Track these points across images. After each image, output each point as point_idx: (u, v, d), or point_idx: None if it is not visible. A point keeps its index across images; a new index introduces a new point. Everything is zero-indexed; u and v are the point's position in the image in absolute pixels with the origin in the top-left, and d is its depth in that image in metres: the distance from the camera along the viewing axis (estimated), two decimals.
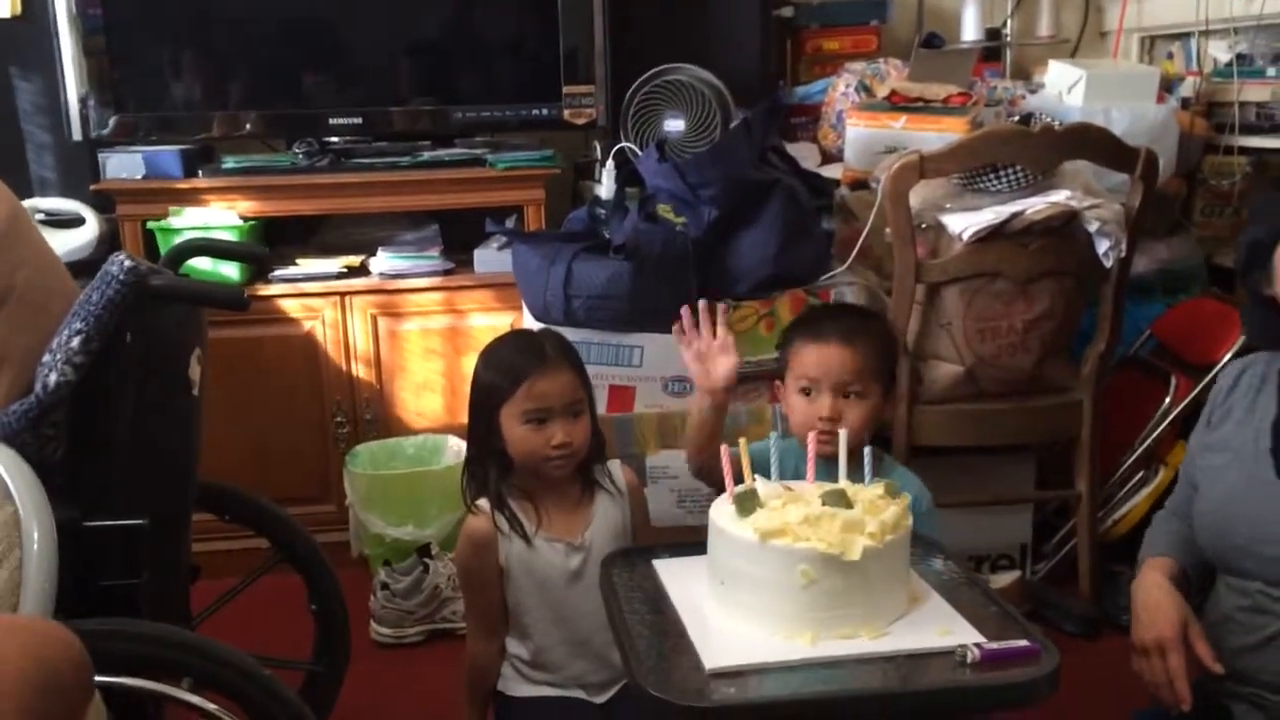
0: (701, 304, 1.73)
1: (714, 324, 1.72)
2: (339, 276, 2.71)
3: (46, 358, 1.26)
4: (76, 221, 2.66)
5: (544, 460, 1.64)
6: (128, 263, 1.26)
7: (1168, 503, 1.67)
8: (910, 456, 2.31)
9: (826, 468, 1.43)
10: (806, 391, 1.65)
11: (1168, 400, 2.50)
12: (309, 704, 1.53)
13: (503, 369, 1.69)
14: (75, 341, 1.24)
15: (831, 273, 2.41)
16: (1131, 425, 2.59)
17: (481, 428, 1.72)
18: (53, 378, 1.24)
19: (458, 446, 2.69)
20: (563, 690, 1.72)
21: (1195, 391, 2.47)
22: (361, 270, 2.75)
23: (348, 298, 2.69)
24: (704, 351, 1.70)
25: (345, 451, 2.68)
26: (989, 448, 2.40)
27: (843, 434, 1.42)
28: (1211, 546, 1.48)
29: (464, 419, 2.77)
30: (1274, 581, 1.37)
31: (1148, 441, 2.51)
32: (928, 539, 1.49)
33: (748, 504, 1.32)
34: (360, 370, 2.73)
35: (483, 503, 1.68)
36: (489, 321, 2.70)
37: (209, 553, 2.05)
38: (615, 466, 1.79)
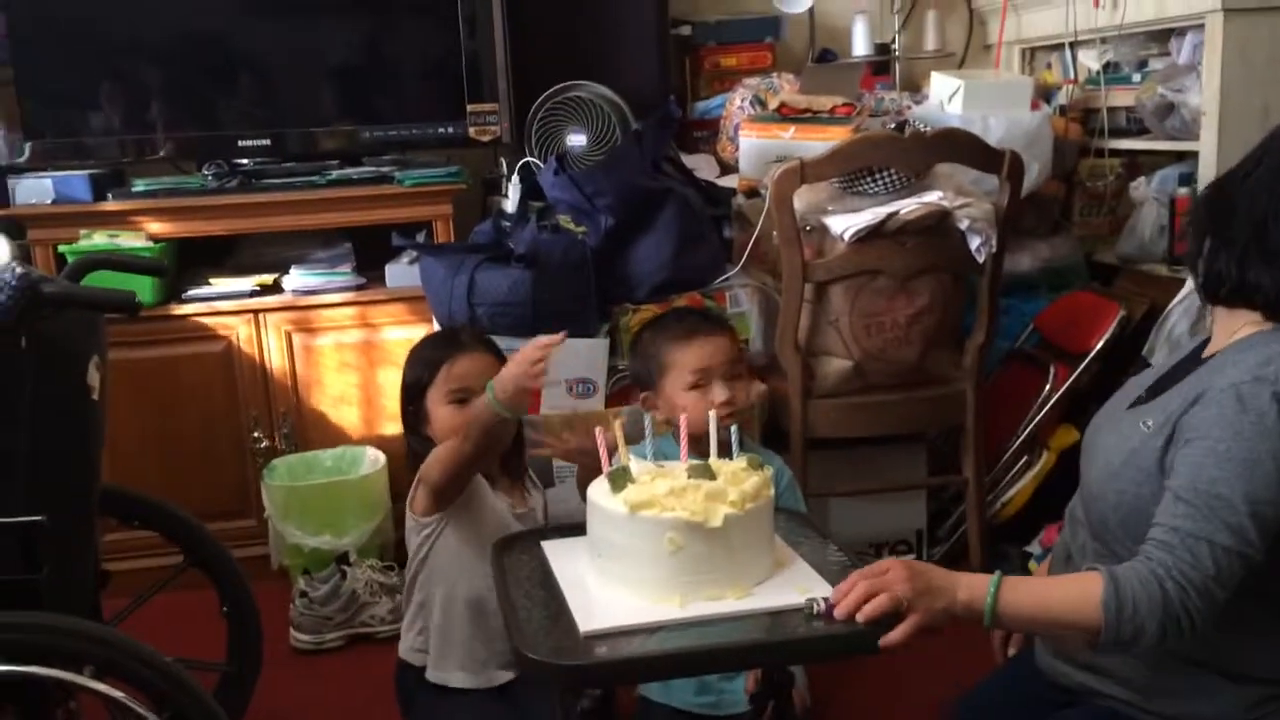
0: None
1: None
2: (252, 294, 2.77)
3: None
4: None
5: None
6: (20, 270, 1.33)
7: None
8: (807, 449, 2.42)
9: (698, 453, 1.53)
10: (697, 387, 1.76)
11: (1047, 388, 2.64)
12: (223, 705, 1.58)
13: (422, 360, 1.85)
14: None
15: (725, 275, 2.52)
16: (1018, 414, 2.73)
17: (410, 420, 1.84)
18: None
19: (374, 457, 2.76)
20: (471, 677, 1.81)
21: (1072, 378, 2.61)
22: (275, 288, 2.81)
23: (262, 315, 2.75)
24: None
25: (263, 466, 2.73)
26: (881, 438, 2.53)
27: (712, 414, 1.52)
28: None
29: (380, 430, 2.88)
30: (1081, 496, 1.48)
31: (1030, 427, 2.64)
32: (821, 531, 1.60)
33: (620, 480, 1.41)
34: (276, 386, 2.78)
35: None
36: (403, 334, 2.77)
37: (125, 570, 2.10)
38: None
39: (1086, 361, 2.59)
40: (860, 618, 1.26)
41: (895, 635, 1.26)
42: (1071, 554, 1.47)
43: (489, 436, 1.65)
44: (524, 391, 1.61)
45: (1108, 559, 1.34)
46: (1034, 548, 2.56)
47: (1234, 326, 1.37)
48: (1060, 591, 1.31)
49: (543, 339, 1.59)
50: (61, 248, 2.66)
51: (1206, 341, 1.44)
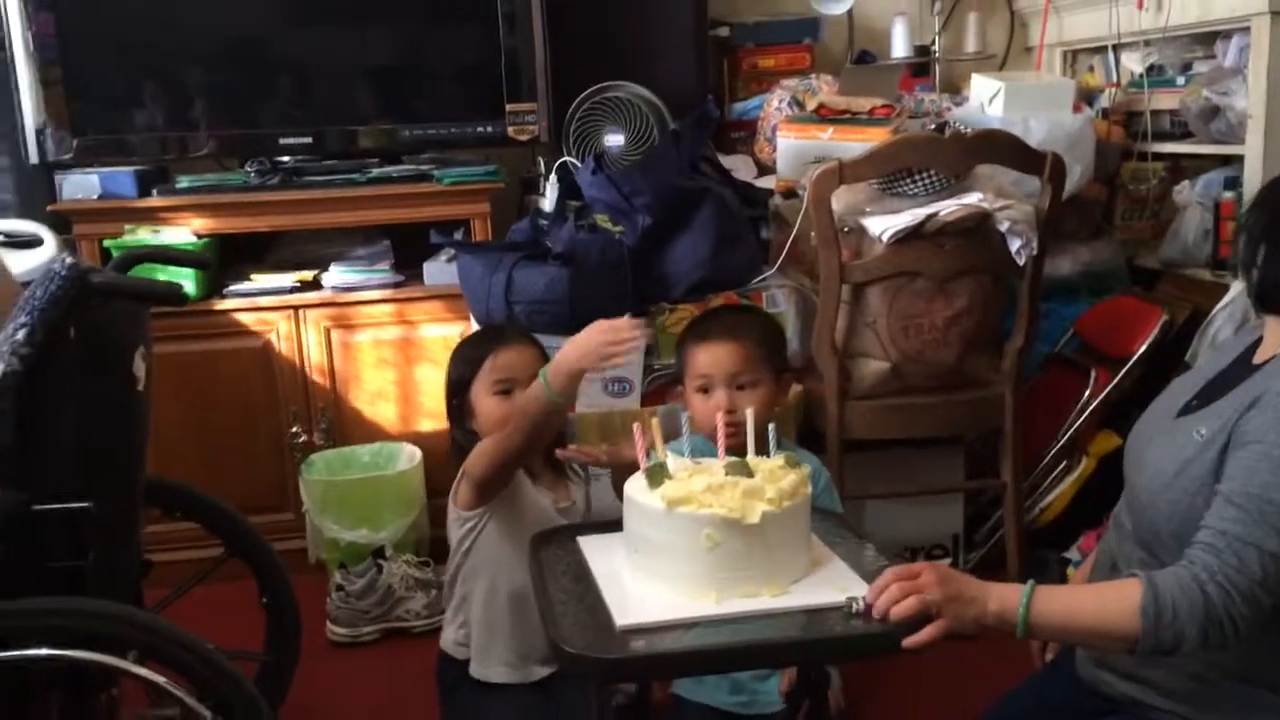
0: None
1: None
2: (292, 290, 2.79)
3: None
4: (35, 242, 2.73)
5: None
6: (69, 260, 1.35)
7: None
8: (843, 451, 2.41)
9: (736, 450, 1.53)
10: (704, 390, 1.77)
11: (1088, 393, 2.61)
12: (262, 695, 1.60)
13: (466, 355, 1.87)
14: (20, 335, 1.33)
15: (762, 276, 2.52)
16: (1058, 419, 2.70)
17: (455, 415, 1.86)
18: None
19: (411, 453, 2.78)
20: (512, 672, 1.81)
21: (1113, 383, 2.59)
22: (314, 284, 2.83)
23: (301, 311, 2.78)
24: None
25: (301, 460, 2.76)
26: (919, 441, 2.51)
27: (749, 412, 1.52)
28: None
29: (417, 426, 2.90)
30: (1128, 504, 1.46)
31: (1070, 432, 2.62)
32: (858, 531, 1.60)
33: (657, 476, 1.41)
34: (315, 381, 2.81)
35: None
36: (440, 331, 2.80)
37: (165, 562, 2.12)
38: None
39: (1128, 366, 2.57)
40: (894, 616, 1.26)
41: (919, 637, 1.26)
42: (1117, 562, 1.46)
43: (537, 427, 1.66)
44: (575, 378, 1.62)
45: (1154, 568, 1.32)
46: (1073, 554, 2.54)
47: None
48: (1096, 601, 1.29)
49: (620, 323, 1.59)
50: (106, 242, 2.70)
51: (1256, 344, 1.42)
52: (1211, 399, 1.38)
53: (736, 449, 1.51)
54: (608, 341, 1.58)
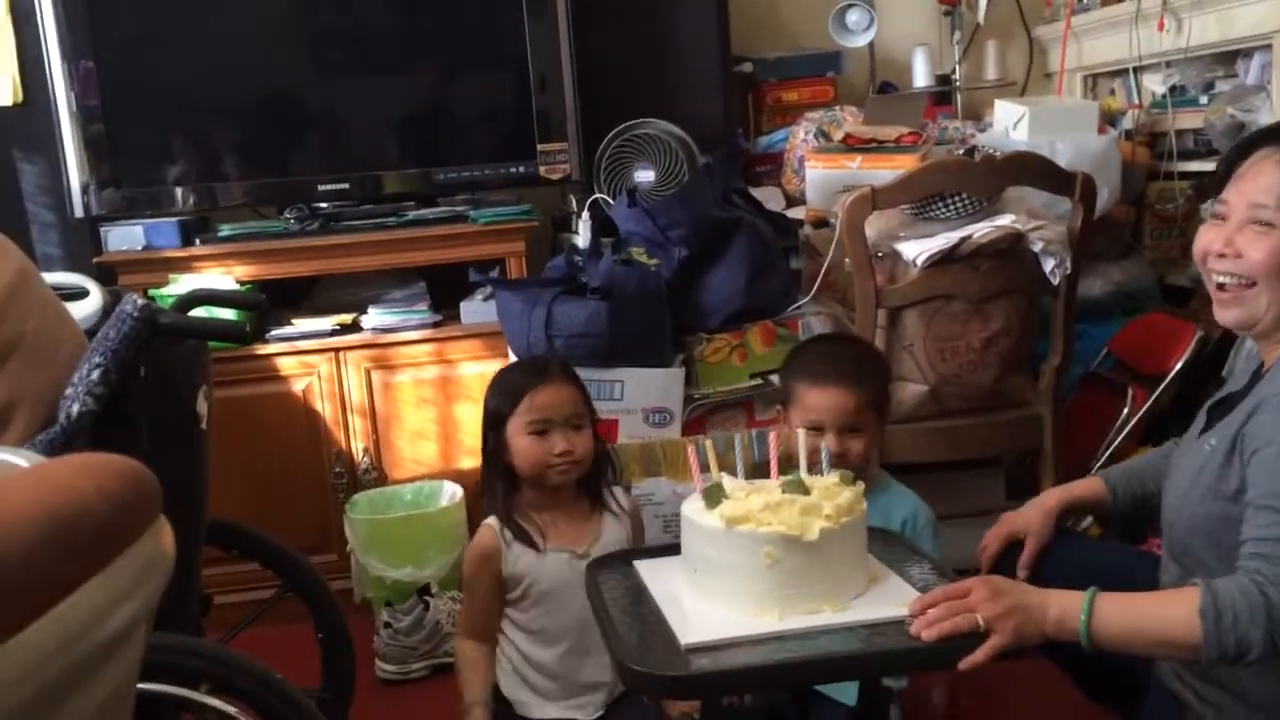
0: None
1: None
2: (333, 334, 2.84)
3: (69, 390, 1.38)
4: (81, 294, 2.78)
5: (547, 468, 1.77)
6: (140, 301, 1.39)
7: None
8: None
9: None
10: (815, 429, 1.77)
11: (1125, 410, 2.62)
12: None
13: (505, 389, 1.87)
14: (95, 374, 1.37)
15: (798, 303, 2.55)
16: (1097, 438, 2.71)
17: (490, 447, 1.87)
18: (75, 408, 1.36)
19: (453, 491, 2.80)
20: (565, 708, 1.81)
21: (1150, 400, 2.60)
22: (354, 327, 2.88)
23: (342, 353, 2.82)
24: None
25: (345, 501, 2.78)
26: (959, 463, 2.52)
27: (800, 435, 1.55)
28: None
29: (459, 464, 2.92)
30: (1164, 523, 1.48)
31: (1109, 450, 2.62)
32: (913, 548, 1.62)
33: (714, 496, 1.43)
34: (356, 422, 2.85)
35: (491, 519, 1.80)
36: (478, 369, 2.83)
37: (223, 605, 2.14)
38: (619, 492, 1.93)
39: (1165, 383, 2.58)
40: (928, 636, 1.28)
41: (975, 657, 1.27)
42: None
43: None
44: None
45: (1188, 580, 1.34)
46: None
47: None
48: (1156, 607, 1.30)
49: None
50: (152, 292, 2.75)
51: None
52: (1225, 415, 1.41)
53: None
54: None
